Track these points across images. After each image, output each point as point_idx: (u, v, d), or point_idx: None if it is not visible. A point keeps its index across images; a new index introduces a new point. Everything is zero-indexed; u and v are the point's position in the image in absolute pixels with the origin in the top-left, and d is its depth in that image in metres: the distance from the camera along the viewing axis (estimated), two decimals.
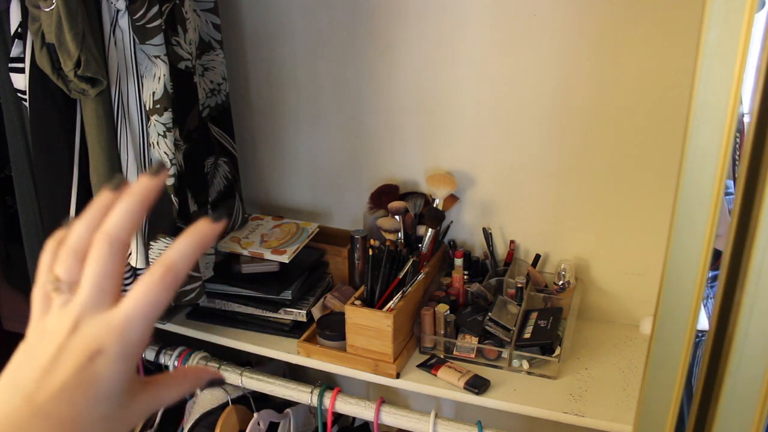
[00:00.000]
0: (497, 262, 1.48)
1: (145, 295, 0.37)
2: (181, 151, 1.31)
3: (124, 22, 1.17)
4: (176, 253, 0.38)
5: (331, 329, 1.32)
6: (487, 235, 1.47)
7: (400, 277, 1.31)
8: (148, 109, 1.21)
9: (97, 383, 0.36)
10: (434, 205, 1.44)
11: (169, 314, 1.48)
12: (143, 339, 0.38)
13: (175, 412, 1.51)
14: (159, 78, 1.19)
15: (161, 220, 1.27)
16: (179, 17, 1.25)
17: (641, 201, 1.35)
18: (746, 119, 0.65)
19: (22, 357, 0.37)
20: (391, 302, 1.26)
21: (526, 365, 1.27)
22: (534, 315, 1.34)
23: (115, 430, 0.36)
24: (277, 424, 1.52)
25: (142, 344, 0.38)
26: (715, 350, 0.67)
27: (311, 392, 1.32)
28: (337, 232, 1.59)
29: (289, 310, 1.41)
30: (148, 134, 1.23)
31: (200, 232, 0.38)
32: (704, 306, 0.78)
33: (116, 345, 0.36)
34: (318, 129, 1.59)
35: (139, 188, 0.38)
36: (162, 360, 1.48)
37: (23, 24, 1.17)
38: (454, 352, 1.31)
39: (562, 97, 1.34)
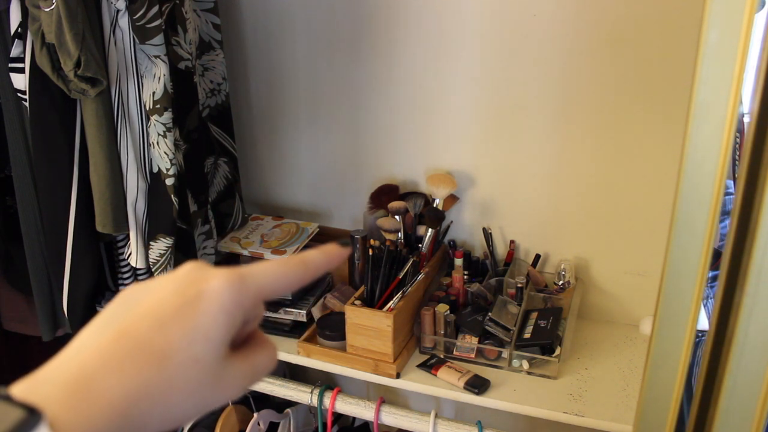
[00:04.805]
0: (497, 262, 1.48)
1: (272, 264, 0.37)
2: (181, 151, 1.31)
3: (124, 22, 1.17)
4: (310, 254, 0.39)
5: (331, 329, 1.32)
6: (487, 235, 1.47)
7: (400, 277, 1.31)
8: (148, 109, 1.21)
9: (197, 322, 0.33)
10: (434, 205, 1.44)
11: None
12: (256, 302, 0.36)
13: None
14: (159, 78, 1.19)
15: (161, 220, 1.27)
16: (179, 17, 1.25)
17: (641, 201, 1.35)
18: (746, 119, 0.65)
19: (124, 296, 0.36)
20: (391, 302, 1.26)
21: (526, 365, 1.27)
22: (534, 315, 1.34)
23: (206, 385, 0.34)
24: (277, 424, 1.52)
25: (253, 306, 0.36)
26: (715, 350, 0.67)
27: (311, 392, 1.32)
28: (337, 232, 1.59)
29: (289, 309, 1.41)
30: (148, 134, 1.23)
31: (332, 250, 0.40)
32: (704, 306, 0.78)
33: (228, 291, 0.34)
34: (318, 129, 1.59)
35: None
36: None
37: (23, 24, 1.17)
38: (454, 352, 1.31)
39: (562, 96, 1.34)
